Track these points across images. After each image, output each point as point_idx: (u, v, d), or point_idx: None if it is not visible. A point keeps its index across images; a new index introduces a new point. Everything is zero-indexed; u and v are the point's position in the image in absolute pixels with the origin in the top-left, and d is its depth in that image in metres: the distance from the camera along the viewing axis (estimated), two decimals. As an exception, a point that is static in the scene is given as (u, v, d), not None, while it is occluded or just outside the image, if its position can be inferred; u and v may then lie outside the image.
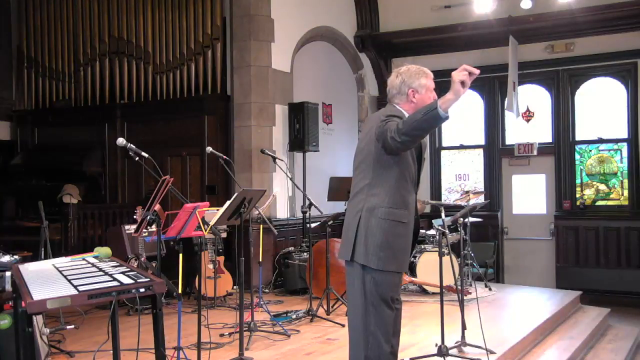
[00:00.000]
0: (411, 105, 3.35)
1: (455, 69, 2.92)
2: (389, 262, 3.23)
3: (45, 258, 5.20)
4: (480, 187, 10.00)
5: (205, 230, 4.31)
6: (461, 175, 10.40)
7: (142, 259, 6.47)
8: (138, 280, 2.67)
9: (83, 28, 9.28)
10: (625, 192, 9.32)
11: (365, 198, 3.30)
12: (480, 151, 10.19)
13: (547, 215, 9.64)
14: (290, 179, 6.90)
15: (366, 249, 3.24)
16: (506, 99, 9.36)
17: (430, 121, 2.95)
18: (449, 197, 10.37)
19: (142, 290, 2.61)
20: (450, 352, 4.66)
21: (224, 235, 7.05)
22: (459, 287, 4.97)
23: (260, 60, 8.02)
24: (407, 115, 3.29)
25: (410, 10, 10.05)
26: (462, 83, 2.86)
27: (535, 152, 9.59)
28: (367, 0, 10.09)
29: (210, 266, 6.74)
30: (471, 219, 7.32)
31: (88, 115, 9.24)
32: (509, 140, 9.98)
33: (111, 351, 3.24)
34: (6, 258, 4.39)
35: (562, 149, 9.52)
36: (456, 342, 4.88)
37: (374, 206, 3.25)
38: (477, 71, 2.88)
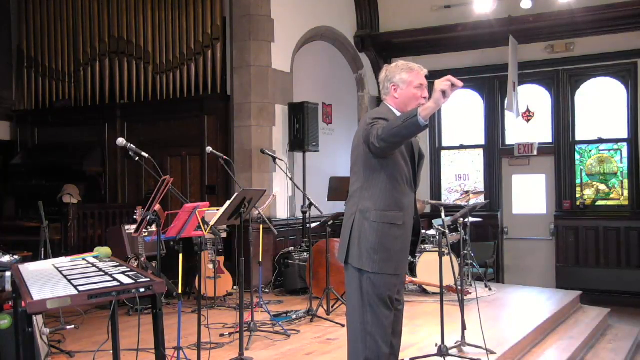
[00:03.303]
0: (396, 101, 3.35)
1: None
2: (384, 264, 3.22)
3: (45, 258, 5.20)
4: (480, 187, 10.00)
5: (205, 230, 4.31)
6: (461, 175, 10.40)
7: (142, 259, 6.47)
8: (138, 280, 2.67)
9: (83, 28, 9.29)
10: (625, 192, 9.32)
11: (358, 201, 3.30)
12: (480, 151, 10.19)
13: (547, 215, 9.64)
14: (290, 179, 6.89)
15: (360, 252, 3.23)
16: (506, 99, 9.36)
17: (409, 128, 2.94)
18: (449, 197, 10.37)
19: (142, 290, 2.61)
20: (450, 352, 4.66)
21: (224, 235, 7.05)
22: (459, 287, 4.97)
23: (260, 60, 8.02)
24: (396, 112, 3.30)
25: (410, 10, 10.05)
26: (444, 93, 2.85)
27: (535, 152, 9.59)
28: (367, 0, 10.10)
29: (210, 266, 6.74)
30: (471, 219, 7.32)
31: (88, 115, 9.25)
32: (509, 140, 9.98)
33: (111, 351, 3.24)
34: (6, 258, 4.40)
35: (562, 149, 9.52)
36: (456, 342, 4.88)
37: (366, 209, 3.25)
38: (460, 84, 2.87)
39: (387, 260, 3.22)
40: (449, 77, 2.87)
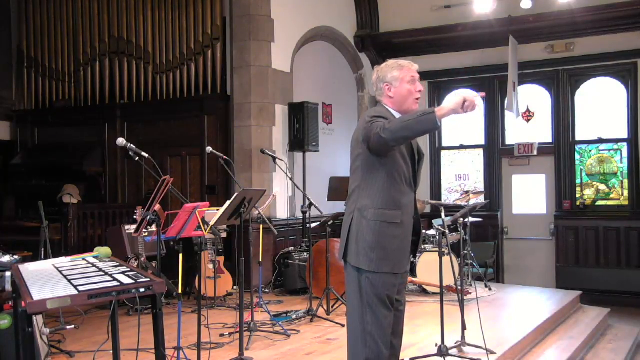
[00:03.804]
0: (391, 100, 3.34)
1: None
2: (381, 263, 3.21)
3: (45, 258, 5.20)
4: (480, 187, 10.00)
5: (205, 230, 4.31)
6: (461, 175, 10.40)
7: (142, 259, 6.47)
8: (138, 280, 2.67)
9: (83, 28, 9.29)
10: (625, 192, 9.32)
11: (356, 200, 3.29)
12: (480, 151, 10.19)
13: (547, 215, 9.63)
14: (290, 179, 6.89)
15: (357, 251, 3.23)
16: (506, 99, 9.36)
17: (424, 123, 2.95)
18: (449, 197, 10.37)
19: (142, 290, 2.61)
20: (450, 352, 4.66)
21: (224, 235, 7.05)
22: (459, 287, 4.97)
23: (260, 60, 8.02)
24: (392, 112, 3.30)
25: (410, 10, 10.05)
26: (465, 102, 2.87)
27: (535, 152, 9.59)
28: (367, 0, 10.10)
29: (210, 266, 6.74)
30: (471, 219, 7.32)
31: (88, 115, 9.25)
32: (509, 140, 9.98)
33: (111, 351, 3.25)
34: (6, 258, 4.39)
35: (562, 149, 9.52)
36: (456, 342, 4.88)
37: (364, 207, 3.24)
38: (477, 106, 2.96)
39: (384, 259, 3.21)
40: (477, 98, 2.95)
